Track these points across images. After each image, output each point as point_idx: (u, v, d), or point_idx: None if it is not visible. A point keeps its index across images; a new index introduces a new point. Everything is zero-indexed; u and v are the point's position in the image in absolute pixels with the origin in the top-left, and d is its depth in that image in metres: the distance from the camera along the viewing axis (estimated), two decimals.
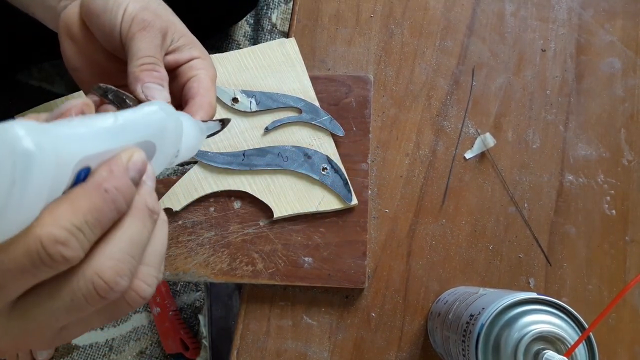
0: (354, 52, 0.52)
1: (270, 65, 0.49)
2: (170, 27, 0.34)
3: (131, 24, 0.33)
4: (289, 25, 0.52)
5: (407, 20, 0.52)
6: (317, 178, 0.47)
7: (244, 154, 0.47)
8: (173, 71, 0.36)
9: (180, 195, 0.47)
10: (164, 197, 0.47)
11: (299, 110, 0.48)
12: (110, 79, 0.37)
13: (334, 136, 0.48)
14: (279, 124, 0.47)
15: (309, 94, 0.49)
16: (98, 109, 0.32)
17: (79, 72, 0.37)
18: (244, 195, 0.47)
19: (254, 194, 0.47)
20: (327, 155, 0.47)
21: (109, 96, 0.31)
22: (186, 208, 0.47)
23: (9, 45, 0.71)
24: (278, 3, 1.13)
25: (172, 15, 0.36)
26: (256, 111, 0.47)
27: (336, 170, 0.47)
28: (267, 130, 0.47)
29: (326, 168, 0.47)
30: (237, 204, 0.48)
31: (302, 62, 0.49)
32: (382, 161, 0.50)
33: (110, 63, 0.37)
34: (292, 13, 0.53)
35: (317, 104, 0.48)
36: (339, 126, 0.48)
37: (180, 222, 0.47)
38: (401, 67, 0.52)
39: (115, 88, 0.31)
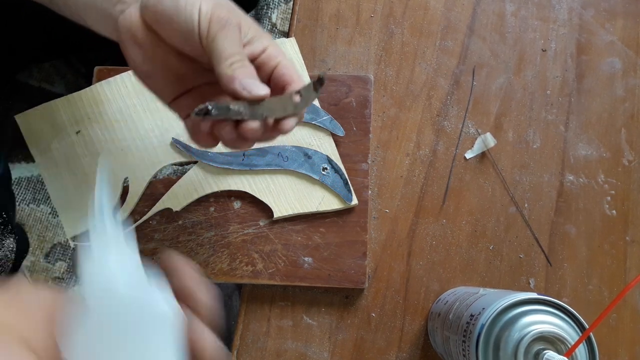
0: (354, 52, 0.52)
1: None
2: (242, 20, 0.34)
3: (210, 24, 0.32)
4: (289, 25, 0.52)
5: (408, 20, 0.52)
6: (317, 178, 0.47)
7: (244, 154, 0.47)
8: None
9: (180, 196, 0.47)
10: (164, 197, 0.47)
11: None
12: (185, 80, 0.36)
13: (334, 136, 0.48)
14: None
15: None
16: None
17: (151, 79, 0.36)
18: (244, 195, 0.47)
19: (254, 194, 0.47)
20: (327, 155, 0.47)
21: (213, 112, 0.31)
22: (186, 208, 0.47)
23: (9, 45, 0.71)
24: (278, 3, 1.13)
25: (238, 9, 0.35)
26: None
27: (336, 170, 0.47)
28: None
29: (326, 168, 0.47)
30: (237, 204, 0.47)
31: (302, 61, 0.49)
32: (382, 161, 0.50)
33: (183, 64, 0.35)
34: (292, 13, 0.53)
35: (317, 103, 0.48)
36: (339, 126, 0.48)
37: (180, 222, 0.47)
38: (401, 67, 0.52)
39: (213, 103, 0.31)
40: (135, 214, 0.47)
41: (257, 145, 0.47)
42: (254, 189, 0.47)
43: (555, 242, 0.49)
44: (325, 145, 0.48)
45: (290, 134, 0.48)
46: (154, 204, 0.47)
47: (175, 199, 0.47)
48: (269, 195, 0.47)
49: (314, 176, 0.47)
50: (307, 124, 0.48)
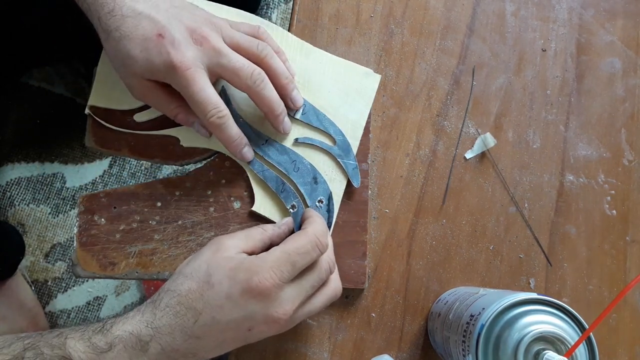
0: (354, 52, 0.52)
1: (344, 84, 0.48)
2: None
3: None
4: (289, 25, 0.52)
5: (407, 20, 0.52)
6: (310, 205, 0.46)
7: (266, 140, 0.46)
8: None
9: (193, 135, 0.46)
10: (178, 127, 0.46)
11: (334, 141, 0.47)
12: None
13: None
14: (309, 142, 0.47)
15: (355, 133, 0.48)
16: None
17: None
18: (243, 195, 0.47)
19: (251, 180, 0.46)
20: (331, 192, 0.47)
21: None
22: (185, 208, 0.47)
23: (11, 47, 0.71)
24: (278, 3, 1.13)
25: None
26: (298, 119, 0.47)
27: (329, 209, 0.46)
28: (297, 141, 0.47)
29: (322, 201, 0.46)
30: (237, 204, 0.47)
31: (372, 100, 0.49)
32: (382, 161, 0.50)
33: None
34: (292, 13, 0.53)
35: (354, 147, 0.47)
36: (359, 177, 0.47)
37: (180, 222, 0.47)
38: (401, 67, 0.52)
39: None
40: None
41: (281, 141, 0.47)
42: (252, 175, 0.46)
43: (555, 242, 0.49)
44: (335, 184, 0.47)
45: (314, 153, 0.47)
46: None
47: (187, 134, 0.46)
48: (266, 192, 0.47)
49: (308, 202, 0.46)
50: (335, 158, 0.47)
